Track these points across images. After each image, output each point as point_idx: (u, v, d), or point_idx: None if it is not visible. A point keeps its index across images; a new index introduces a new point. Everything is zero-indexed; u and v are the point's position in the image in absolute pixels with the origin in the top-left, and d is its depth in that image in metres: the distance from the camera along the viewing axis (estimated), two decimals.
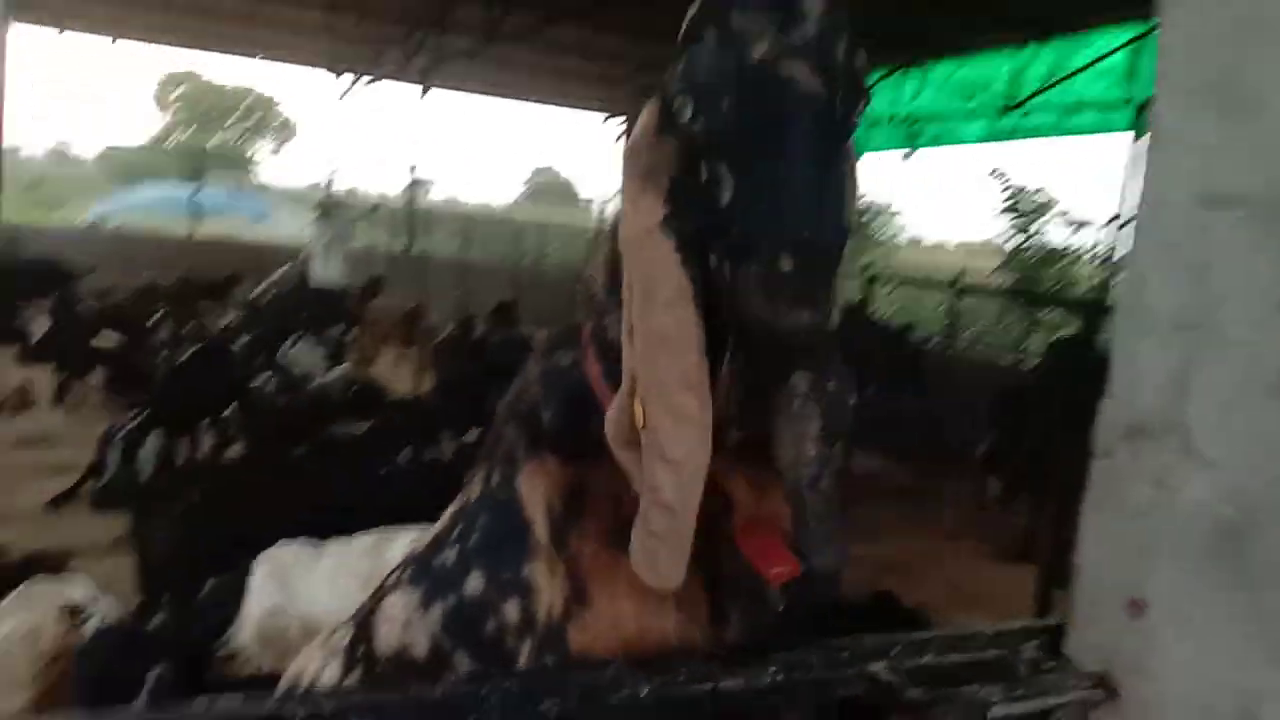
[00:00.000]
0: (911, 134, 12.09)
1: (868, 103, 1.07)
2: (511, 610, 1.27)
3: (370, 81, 14.51)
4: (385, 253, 14.21)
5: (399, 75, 13.64)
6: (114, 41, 13.29)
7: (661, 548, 1.07)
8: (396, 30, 12.09)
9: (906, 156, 12.43)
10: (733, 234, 1.00)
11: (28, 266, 11.65)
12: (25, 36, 14.50)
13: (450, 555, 1.43)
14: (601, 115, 15.75)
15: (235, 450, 7.15)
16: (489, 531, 1.36)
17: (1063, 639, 1.33)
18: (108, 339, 9.23)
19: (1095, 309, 8.59)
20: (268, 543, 3.38)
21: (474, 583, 1.35)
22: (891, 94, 11.93)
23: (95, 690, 2.64)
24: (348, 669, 1.63)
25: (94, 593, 4.21)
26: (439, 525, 1.52)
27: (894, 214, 22.74)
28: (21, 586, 4.10)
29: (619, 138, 15.32)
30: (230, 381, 6.86)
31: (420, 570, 1.50)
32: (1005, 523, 6.99)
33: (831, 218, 0.99)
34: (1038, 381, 7.76)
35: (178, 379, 6.39)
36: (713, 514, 1.13)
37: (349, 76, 14.54)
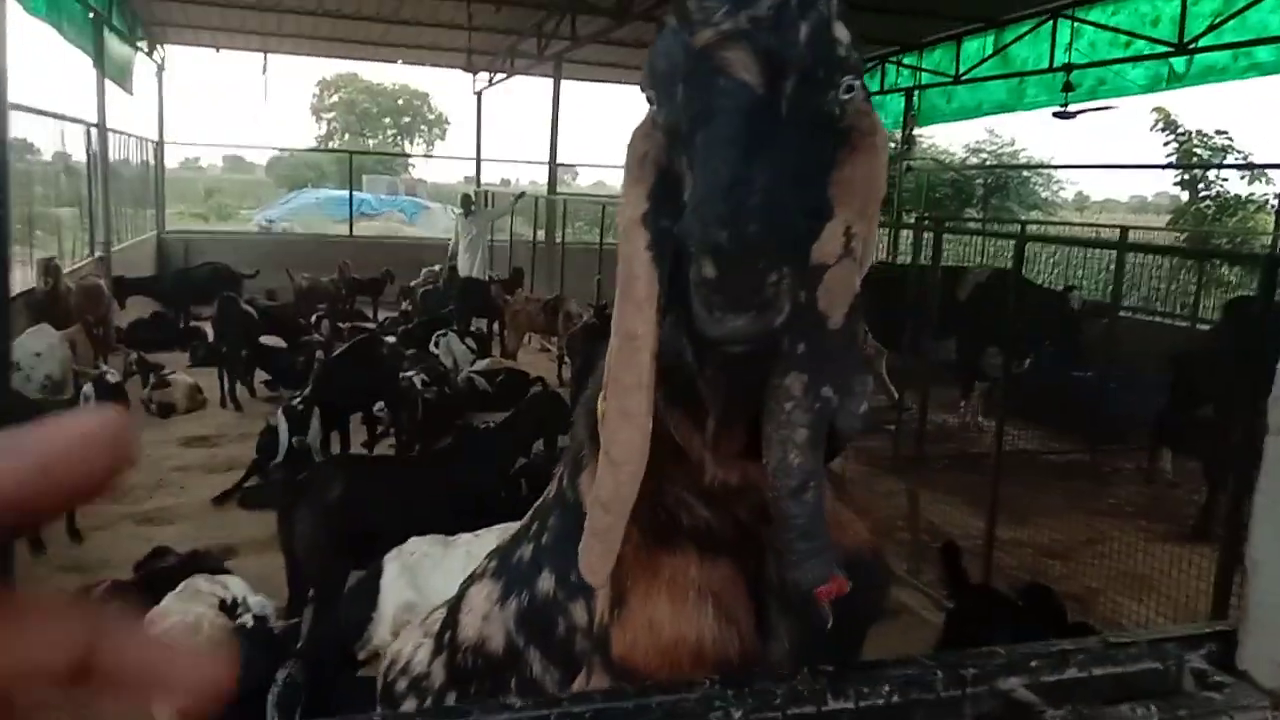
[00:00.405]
0: (1068, 86, 11.36)
1: (855, 77, 0.99)
2: (579, 612, 1.24)
3: (508, 76, 14.74)
4: (528, 243, 14.43)
5: (535, 67, 13.80)
6: (265, 57, 13.91)
7: (595, 544, 1.06)
8: (533, 15, 12.23)
9: (1063, 112, 11.72)
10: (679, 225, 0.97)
11: (200, 272, 12.36)
12: (186, 58, 15.35)
13: (526, 551, 1.40)
14: None
15: (385, 443, 7.41)
16: (558, 531, 1.33)
17: (1236, 648, 1.13)
18: (273, 340, 9.71)
19: (1277, 264, 7.87)
20: (408, 537, 3.42)
21: (545, 582, 1.32)
22: (1042, 46, 11.26)
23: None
24: (435, 653, 1.62)
25: (249, 588, 4.40)
26: (524, 519, 1.48)
27: (1052, 172, 21.53)
28: (184, 582, 4.31)
29: None
30: (381, 375, 7.06)
31: (502, 564, 1.48)
32: (1179, 500, 6.50)
33: (758, 216, 0.93)
34: (1213, 345, 7.18)
35: (332, 374, 6.61)
36: (754, 523, 1.10)
37: (485, 75, 14.81)
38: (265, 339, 9.41)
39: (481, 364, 8.62)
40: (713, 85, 0.95)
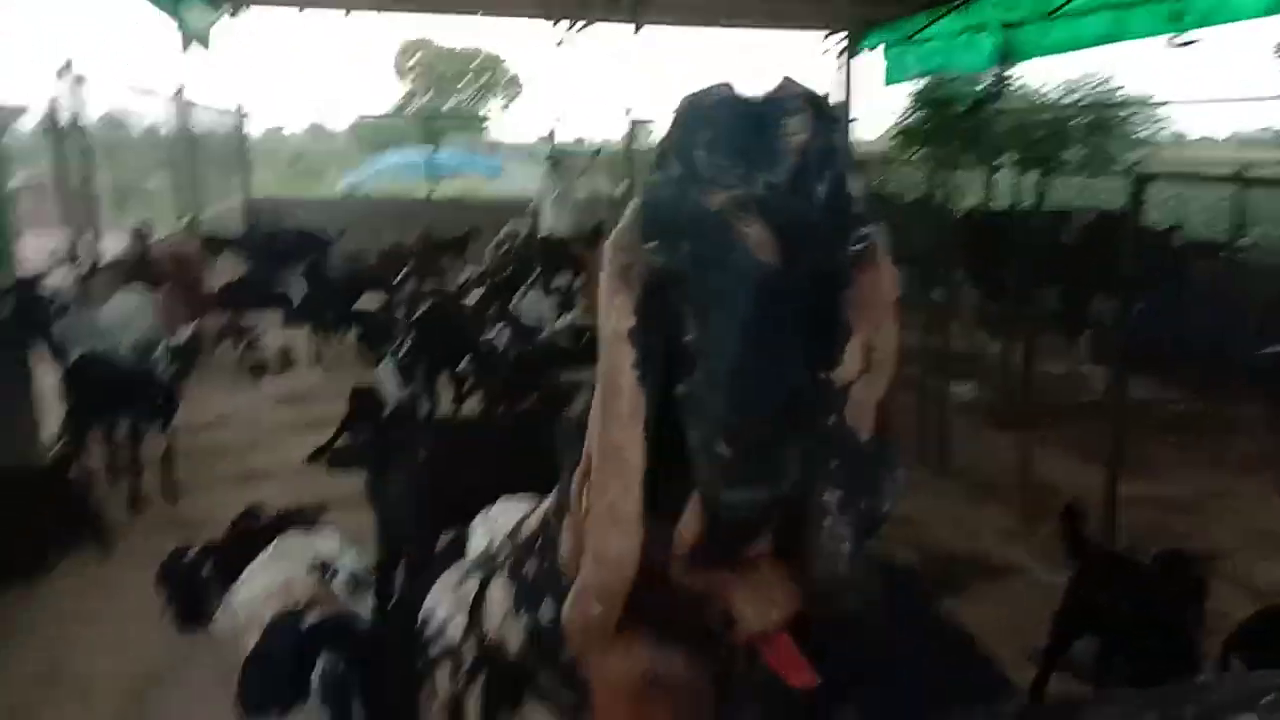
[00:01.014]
0: (1175, 14, 10.63)
1: (867, 227, 1.01)
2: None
3: (584, 25, 14.46)
4: (609, 198, 14.22)
5: (611, 14, 13.50)
6: (347, 14, 13.82)
7: (591, 627, 1.12)
8: None
9: (1174, 42, 10.99)
10: (686, 388, 1.01)
11: (288, 236, 12.47)
12: (269, 19, 15.40)
13: (532, 568, 1.44)
14: (820, 33, 14.98)
15: (470, 403, 7.36)
16: (554, 562, 1.34)
17: None
18: (370, 301, 9.75)
19: None
20: (495, 498, 3.31)
21: (548, 610, 1.35)
22: None
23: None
24: (466, 632, 1.65)
25: (342, 547, 4.36)
26: (542, 508, 1.50)
27: (1156, 108, 20.43)
28: (276, 541, 4.29)
29: (840, 54, 14.54)
30: (465, 334, 6.98)
31: (515, 566, 1.50)
32: None
33: (776, 403, 0.96)
34: None
35: (416, 333, 6.55)
36: (714, 627, 1.14)
37: (564, 23, 14.54)
38: (353, 299, 9.45)
39: (564, 321, 8.50)
40: (727, 260, 0.93)
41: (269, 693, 2.58)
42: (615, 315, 1.07)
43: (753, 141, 0.96)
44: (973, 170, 10.51)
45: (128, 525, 5.47)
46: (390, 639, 2.82)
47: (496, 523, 2.42)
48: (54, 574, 4.92)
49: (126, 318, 6.45)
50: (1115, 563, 3.51)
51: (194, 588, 4.24)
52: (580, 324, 8.29)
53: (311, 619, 2.64)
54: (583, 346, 7.76)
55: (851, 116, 13.27)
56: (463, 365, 7.18)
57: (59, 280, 6.68)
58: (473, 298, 8.52)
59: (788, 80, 1.01)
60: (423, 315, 6.63)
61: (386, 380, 6.35)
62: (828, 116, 1.00)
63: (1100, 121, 18.21)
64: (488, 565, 1.75)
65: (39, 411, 6.27)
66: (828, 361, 1.02)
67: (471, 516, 3.19)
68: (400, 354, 6.42)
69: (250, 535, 4.63)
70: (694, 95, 1.02)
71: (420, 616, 2.08)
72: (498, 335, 7.14)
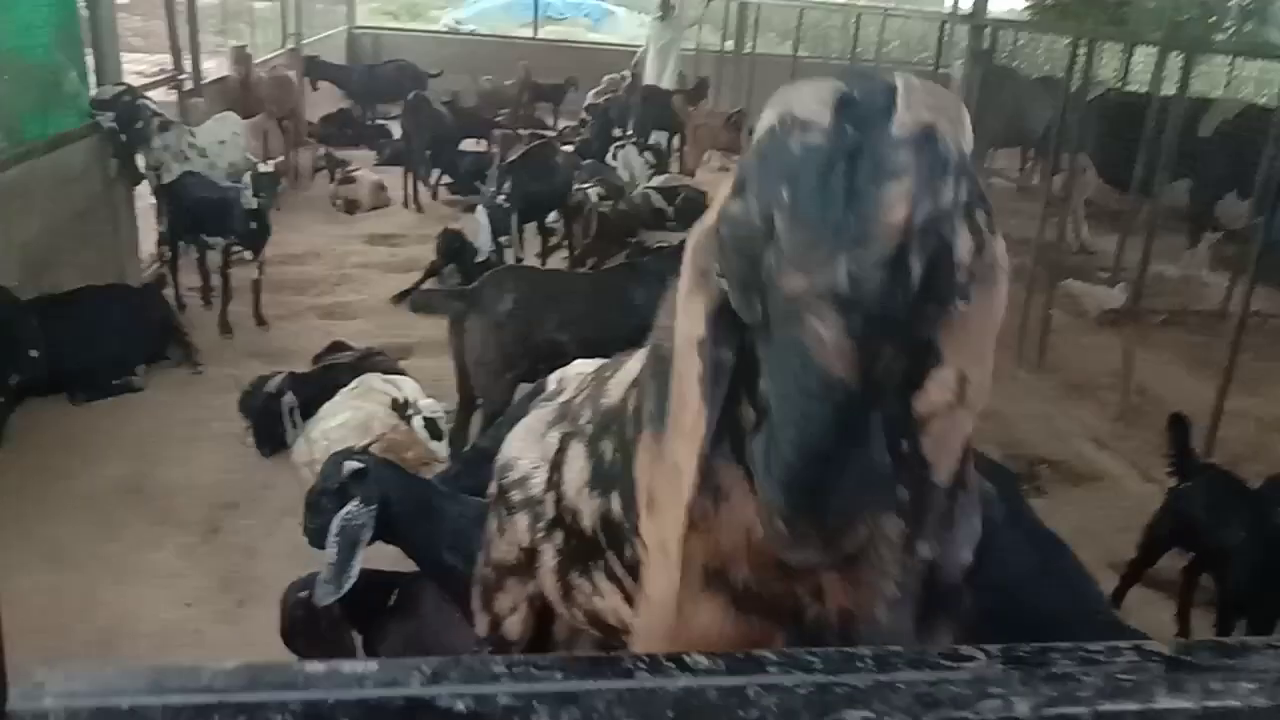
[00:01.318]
0: None
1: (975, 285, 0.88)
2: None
3: None
4: (716, 54, 13.64)
5: None
6: None
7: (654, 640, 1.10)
8: None
9: None
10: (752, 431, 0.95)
11: (388, 70, 12.30)
12: None
13: (608, 449, 1.37)
14: None
15: (557, 256, 7.26)
16: (627, 453, 1.27)
17: None
18: (466, 143, 9.61)
19: None
20: (576, 355, 3.23)
21: (615, 504, 1.32)
22: None
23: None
24: (548, 486, 1.61)
25: (421, 390, 4.38)
26: (631, 375, 1.38)
27: None
28: (358, 379, 4.32)
29: None
30: (556, 185, 6.82)
31: (594, 441, 1.44)
32: None
33: (831, 512, 0.87)
34: None
35: (510, 180, 6.41)
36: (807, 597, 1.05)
37: None
38: (450, 140, 9.31)
39: (659, 180, 8.26)
40: (796, 363, 0.84)
41: (320, 529, 2.60)
42: (689, 319, 0.98)
43: (841, 217, 0.82)
44: (1110, 48, 9.72)
45: (216, 349, 5.58)
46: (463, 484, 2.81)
47: (577, 382, 2.35)
48: (144, 392, 5.06)
49: (224, 140, 6.43)
50: (1222, 479, 3.31)
51: (274, 416, 4.33)
52: (674, 184, 8.06)
53: (351, 464, 2.63)
54: (675, 207, 7.57)
55: None
56: (552, 218, 7.06)
57: (160, 97, 6.67)
58: (568, 148, 8.30)
59: (900, 110, 0.83)
60: (517, 162, 6.47)
61: (479, 226, 6.27)
62: (941, 164, 0.83)
63: (1258, 5, 16.73)
64: (569, 424, 1.66)
65: (138, 231, 6.38)
66: (909, 383, 0.91)
67: (550, 371, 3.11)
68: (493, 200, 6.32)
69: (333, 370, 4.69)
70: (779, 131, 0.86)
71: (500, 462, 2.02)
72: (590, 189, 6.97)
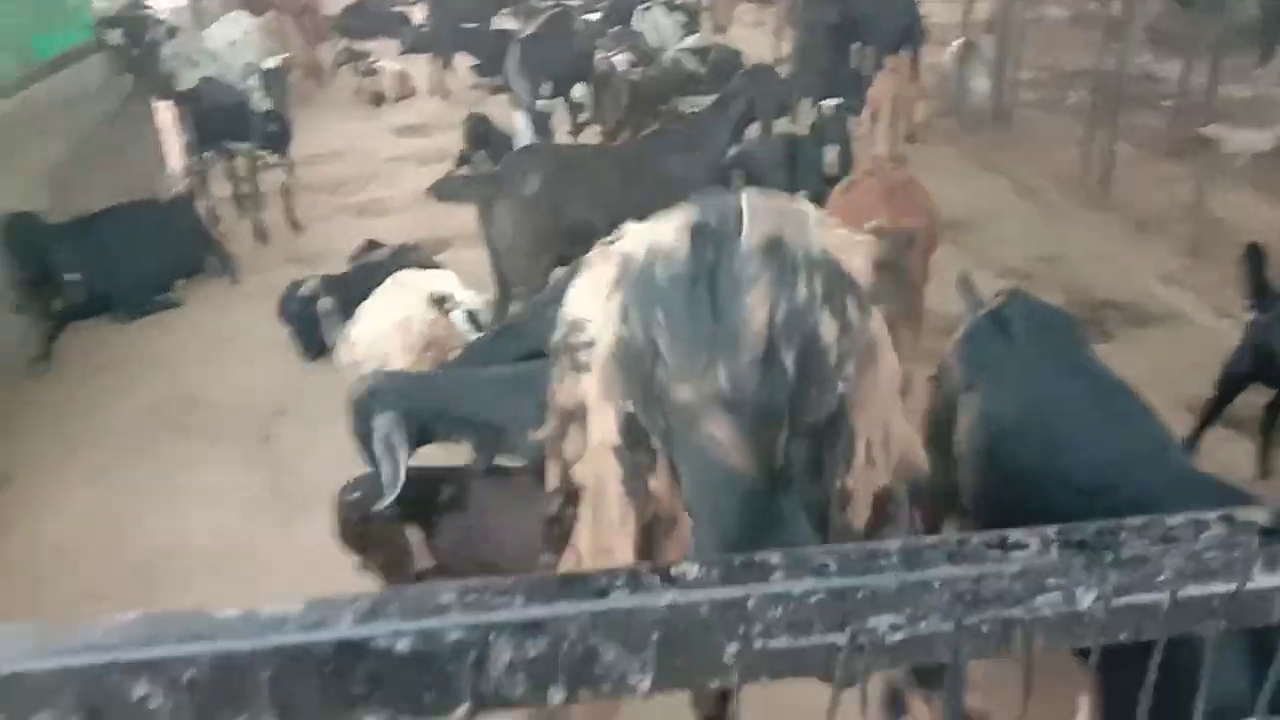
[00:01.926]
0: None
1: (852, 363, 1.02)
2: None
3: None
4: None
5: None
6: None
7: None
8: None
9: None
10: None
11: None
12: None
13: None
14: None
15: (588, 132, 7.01)
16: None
17: None
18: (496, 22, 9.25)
19: None
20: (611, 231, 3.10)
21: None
22: None
23: None
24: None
25: (459, 283, 4.28)
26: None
27: None
28: (394, 276, 4.23)
29: None
30: (578, 55, 6.54)
31: None
32: None
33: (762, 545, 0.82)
34: None
35: (528, 50, 6.15)
36: None
37: None
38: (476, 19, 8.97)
39: (690, 40, 7.88)
40: (699, 461, 0.95)
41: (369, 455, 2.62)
42: (601, 428, 1.11)
43: (711, 329, 0.95)
44: None
45: (253, 257, 5.53)
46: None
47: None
48: (184, 307, 5.05)
49: (235, 41, 6.24)
50: None
51: (312, 320, 4.28)
52: (706, 44, 7.70)
53: (359, 389, 2.64)
54: (709, 70, 7.24)
55: None
56: (579, 91, 6.79)
57: (169, 2, 6.49)
58: (591, 15, 7.95)
59: (747, 227, 0.96)
60: (530, 36, 6.19)
61: (518, 131, 6.04)
62: (790, 267, 0.96)
63: None
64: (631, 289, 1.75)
65: (163, 144, 6.29)
66: (818, 460, 1.04)
67: (586, 251, 2.97)
68: (515, 75, 6.08)
69: (368, 269, 4.61)
70: (646, 263, 1.01)
71: (568, 317, 1.98)
72: (616, 57, 6.67)
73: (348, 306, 4.22)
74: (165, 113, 6.12)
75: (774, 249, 0.96)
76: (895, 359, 1.10)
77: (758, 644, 0.52)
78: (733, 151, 4.53)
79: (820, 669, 0.53)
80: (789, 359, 0.94)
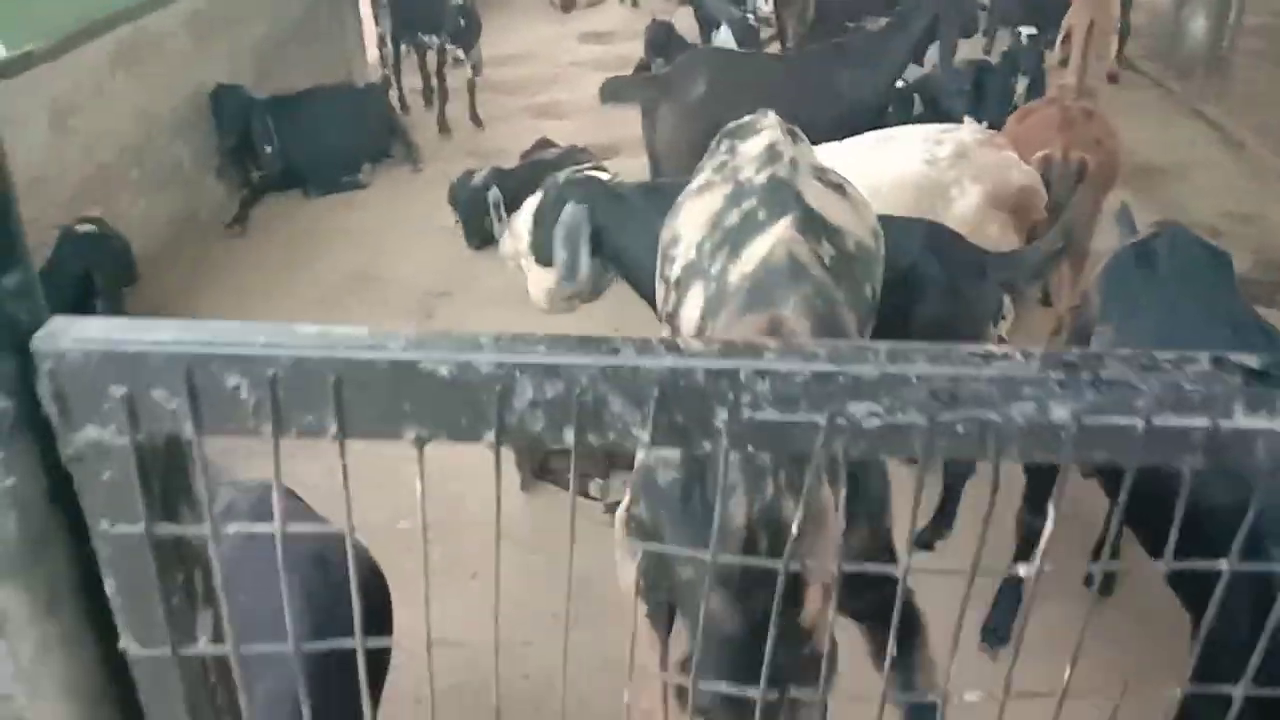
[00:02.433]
0: None
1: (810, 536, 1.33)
2: None
3: None
4: None
5: None
6: None
7: None
8: None
9: None
10: None
11: None
12: None
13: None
14: None
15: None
16: None
17: None
18: None
19: None
20: None
21: None
22: None
23: None
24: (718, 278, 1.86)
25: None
26: None
27: None
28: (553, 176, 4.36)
29: None
30: None
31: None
32: None
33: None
34: None
35: None
36: None
37: None
38: None
39: None
40: (700, 618, 0.99)
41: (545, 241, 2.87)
42: (624, 575, 1.44)
43: (702, 527, 1.24)
44: None
45: (435, 148, 5.79)
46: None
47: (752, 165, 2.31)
48: (371, 187, 5.35)
49: None
50: None
51: (480, 209, 4.48)
52: None
53: (565, 173, 2.90)
54: None
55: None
56: (766, 8, 6.68)
57: None
58: None
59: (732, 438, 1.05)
60: None
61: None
62: (759, 472, 1.31)
63: None
64: (719, 236, 1.90)
65: (363, 34, 6.61)
66: (787, 606, 1.24)
67: None
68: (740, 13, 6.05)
69: (538, 166, 4.76)
70: (650, 475, 1.46)
71: (669, 231, 2.09)
72: None
73: (515, 199, 4.39)
74: (366, 2, 6.42)
75: (749, 460, 1.27)
76: (836, 517, 1.31)
77: (745, 413, 0.59)
78: (917, 74, 4.41)
79: (800, 445, 0.60)
80: (764, 540, 1.26)
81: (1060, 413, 0.58)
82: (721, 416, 0.59)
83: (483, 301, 4.14)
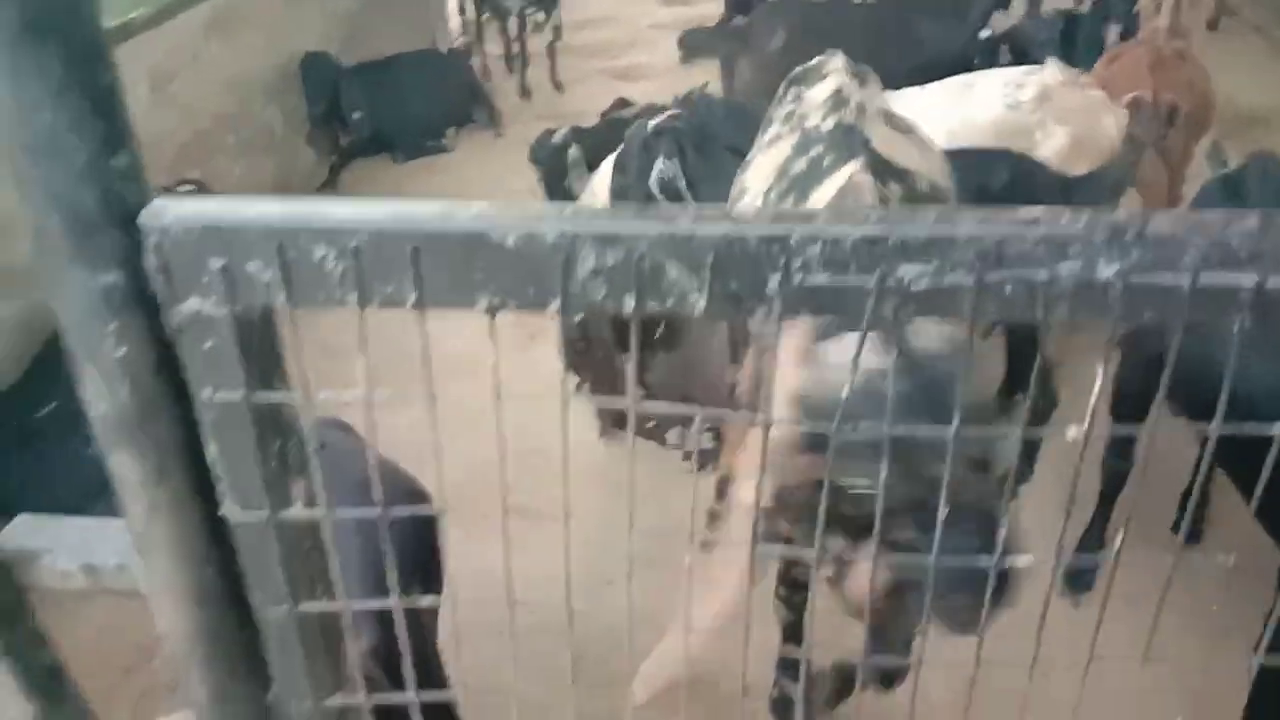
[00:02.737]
0: None
1: None
2: None
3: None
4: None
5: None
6: None
7: None
8: None
9: None
10: None
11: None
12: None
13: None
14: None
15: None
16: None
17: None
18: None
19: None
20: None
21: None
22: None
23: None
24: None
25: None
26: None
27: None
28: (639, 123, 4.38)
29: None
30: None
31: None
32: None
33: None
34: None
35: None
36: None
37: None
38: None
39: None
40: None
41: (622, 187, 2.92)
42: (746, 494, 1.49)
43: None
44: None
45: (516, 112, 5.86)
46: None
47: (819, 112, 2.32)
48: (455, 151, 5.45)
49: None
50: None
51: (561, 167, 4.52)
52: None
53: (655, 122, 2.92)
54: None
55: None
56: None
57: None
58: None
59: None
60: None
61: None
62: None
63: None
64: (787, 184, 1.94)
65: (445, 3, 6.70)
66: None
67: None
68: None
69: (617, 125, 4.79)
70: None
71: (737, 185, 2.11)
72: None
73: (595, 157, 4.43)
74: None
75: None
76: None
77: (797, 278, 0.61)
78: (1006, 24, 4.30)
79: (852, 309, 0.62)
80: None
81: (1106, 271, 0.59)
82: (774, 282, 0.62)
83: None
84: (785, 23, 3.72)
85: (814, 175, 1.84)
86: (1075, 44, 4.66)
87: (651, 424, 3.16)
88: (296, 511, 0.73)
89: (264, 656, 0.81)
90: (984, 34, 4.38)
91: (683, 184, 2.69)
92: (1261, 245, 0.58)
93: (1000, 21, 4.71)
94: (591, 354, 3.22)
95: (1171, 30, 4.00)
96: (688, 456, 3.11)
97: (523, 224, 0.63)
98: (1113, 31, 5.10)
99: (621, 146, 2.98)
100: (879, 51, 3.69)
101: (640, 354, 3.25)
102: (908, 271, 0.61)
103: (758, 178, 2.09)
